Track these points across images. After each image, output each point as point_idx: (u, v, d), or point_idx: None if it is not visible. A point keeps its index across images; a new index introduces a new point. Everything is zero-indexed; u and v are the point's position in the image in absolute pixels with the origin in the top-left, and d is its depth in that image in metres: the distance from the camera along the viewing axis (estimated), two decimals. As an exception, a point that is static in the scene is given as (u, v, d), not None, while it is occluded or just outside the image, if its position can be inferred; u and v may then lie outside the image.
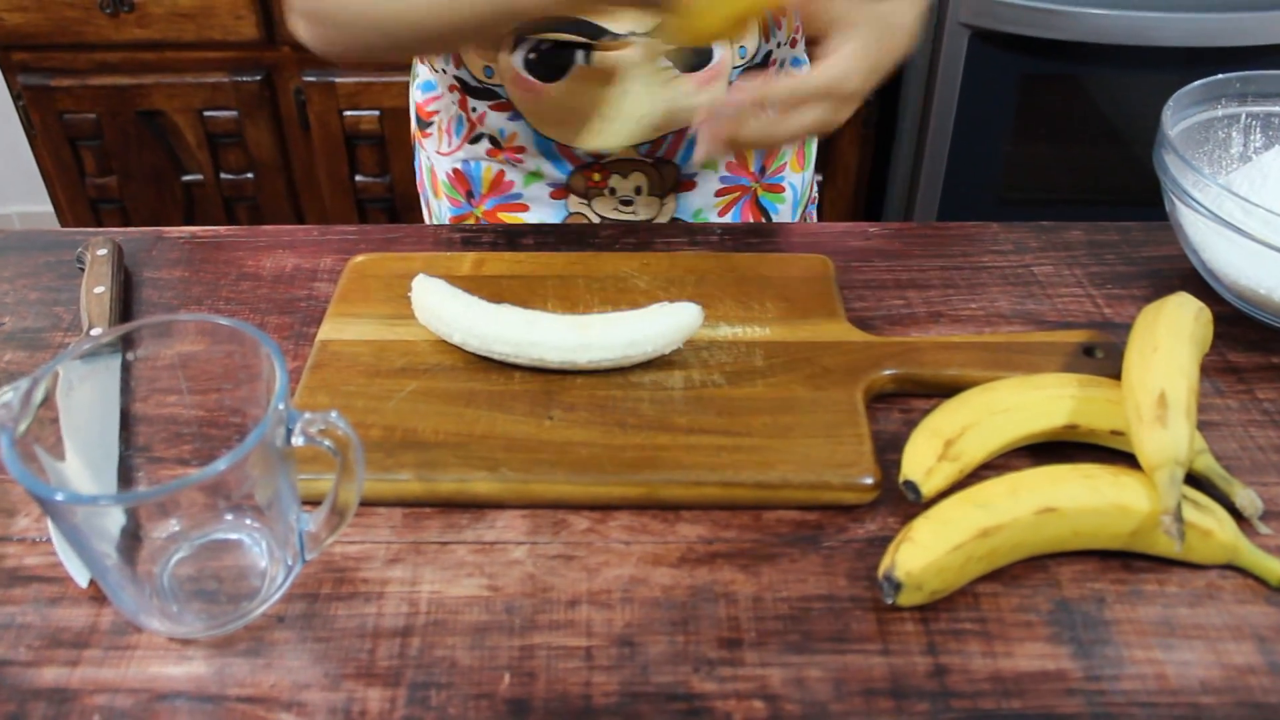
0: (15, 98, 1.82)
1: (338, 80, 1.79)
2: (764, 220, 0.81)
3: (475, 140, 0.91)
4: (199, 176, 1.91)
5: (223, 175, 1.91)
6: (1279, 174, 0.74)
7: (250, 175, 1.91)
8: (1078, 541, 0.56)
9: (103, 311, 0.73)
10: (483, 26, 0.72)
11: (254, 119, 1.84)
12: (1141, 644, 0.53)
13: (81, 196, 1.94)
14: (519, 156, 0.90)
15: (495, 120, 0.89)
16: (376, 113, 1.82)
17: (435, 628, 0.53)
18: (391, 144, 1.86)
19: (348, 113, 1.83)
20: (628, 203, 0.93)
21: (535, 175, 0.92)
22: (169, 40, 1.76)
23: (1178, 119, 0.79)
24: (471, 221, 0.96)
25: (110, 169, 1.90)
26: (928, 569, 0.52)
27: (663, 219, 0.94)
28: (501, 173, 0.92)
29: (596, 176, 0.91)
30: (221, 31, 1.75)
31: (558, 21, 0.81)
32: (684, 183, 0.93)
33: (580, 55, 0.83)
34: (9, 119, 2.12)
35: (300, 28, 0.80)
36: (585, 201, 0.93)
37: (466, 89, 0.89)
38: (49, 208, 2.19)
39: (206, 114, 1.84)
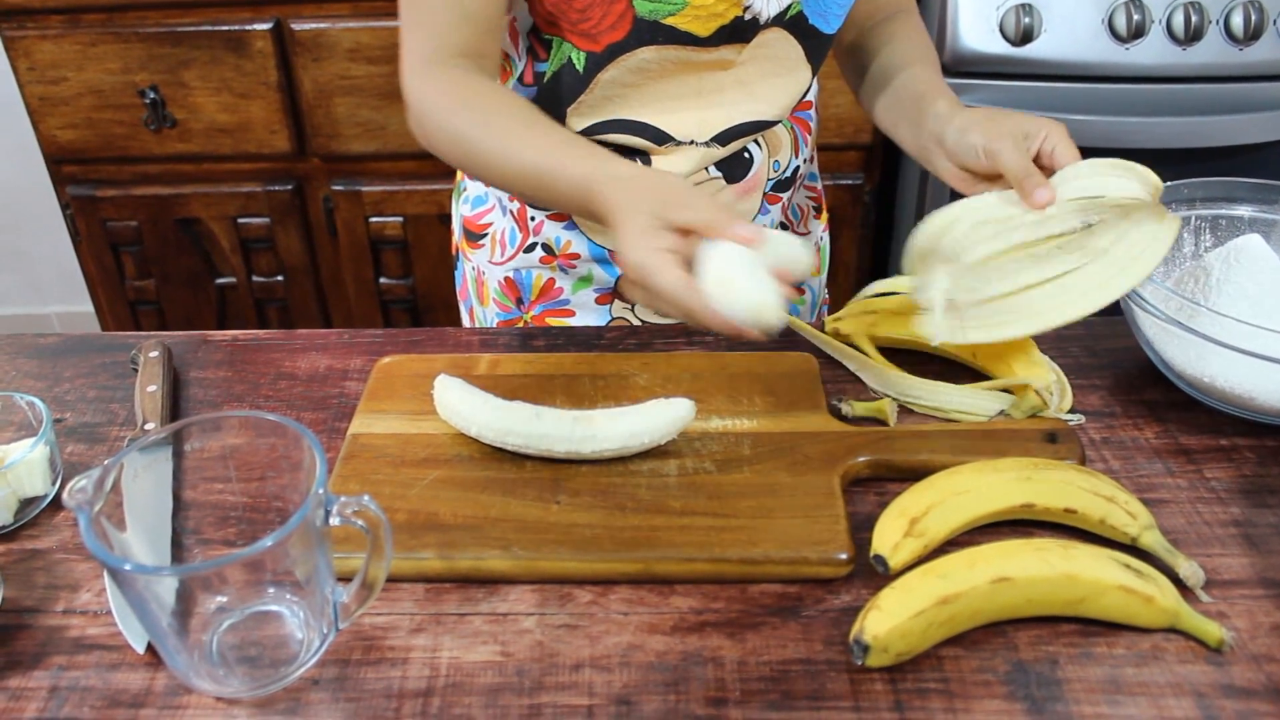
0: (64, 207, 1.94)
1: (364, 189, 1.90)
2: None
3: (529, 249, 0.99)
4: (232, 280, 2.01)
5: (254, 278, 2.01)
6: (1220, 272, 0.81)
7: (280, 278, 2.01)
8: (1031, 608, 0.62)
9: (155, 408, 0.81)
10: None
11: (285, 225, 1.95)
12: (1090, 701, 0.58)
13: (121, 298, 2.04)
14: (572, 263, 0.98)
15: (552, 229, 0.97)
16: (400, 219, 1.93)
17: (453, 689, 0.60)
18: (414, 248, 1.97)
19: (373, 219, 1.93)
20: None
21: (585, 281, 1.00)
22: (207, 153, 1.88)
23: (1130, 225, 0.87)
24: (520, 326, 1.04)
25: (149, 273, 2.01)
26: (892, 633, 0.58)
27: None
28: (552, 280, 1.00)
29: None
30: (256, 145, 1.87)
31: (621, 126, 0.89)
32: None
33: (639, 163, 0.90)
34: (56, 226, 2.24)
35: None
36: (628, 306, 1.01)
37: (527, 200, 0.97)
38: (88, 308, 2.30)
39: (240, 221, 1.95)
